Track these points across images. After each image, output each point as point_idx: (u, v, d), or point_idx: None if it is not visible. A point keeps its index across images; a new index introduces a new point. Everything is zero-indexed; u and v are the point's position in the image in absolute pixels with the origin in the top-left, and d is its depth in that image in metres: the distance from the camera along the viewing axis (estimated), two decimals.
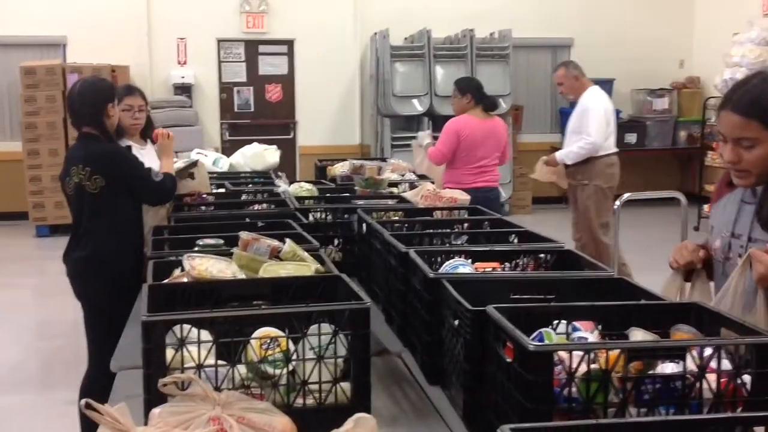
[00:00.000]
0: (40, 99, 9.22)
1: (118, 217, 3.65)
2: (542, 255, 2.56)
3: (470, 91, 5.70)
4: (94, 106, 3.64)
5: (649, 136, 11.01)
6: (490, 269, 2.49)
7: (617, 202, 4.82)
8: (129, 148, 3.96)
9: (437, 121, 10.42)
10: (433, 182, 4.41)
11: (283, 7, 10.51)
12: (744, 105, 2.09)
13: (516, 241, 2.85)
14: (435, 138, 5.99)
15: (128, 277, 3.34)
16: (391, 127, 10.25)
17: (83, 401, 1.46)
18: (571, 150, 6.03)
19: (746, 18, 9.34)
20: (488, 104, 5.76)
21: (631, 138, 10.98)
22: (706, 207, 9.47)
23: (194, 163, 4.10)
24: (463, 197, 3.75)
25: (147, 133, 4.26)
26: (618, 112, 11.03)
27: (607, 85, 10.89)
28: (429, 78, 10.17)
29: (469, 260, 2.48)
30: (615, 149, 6.20)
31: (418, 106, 10.18)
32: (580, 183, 6.13)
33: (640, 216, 8.52)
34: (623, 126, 11.05)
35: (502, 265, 2.54)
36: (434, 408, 2.08)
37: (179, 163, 4.09)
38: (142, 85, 9.87)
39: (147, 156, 4.05)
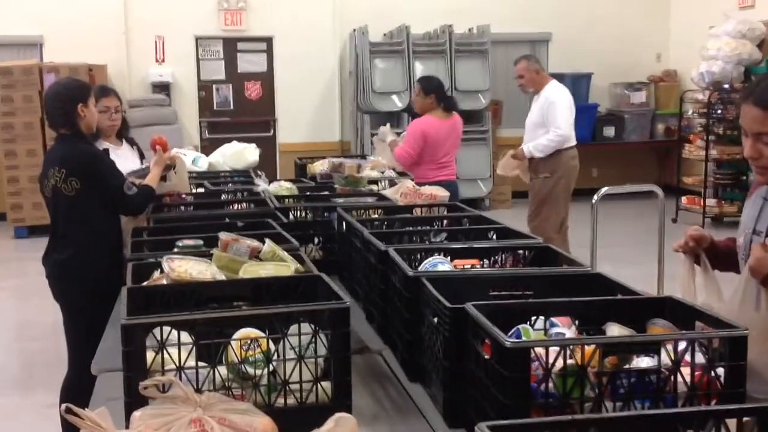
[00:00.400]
0: (17, 99, 9.15)
1: (95, 220, 3.62)
2: (520, 251, 2.58)
3: (434, 91, 5.78)
4: (65, 108, 3.61)
5: (627, 129, 11.09)
6: (470, 266, 2.51)
7: (595, 196, 4.85)
8: (107, 151, 3.93)
9: (416, 117, 10.45)
10: (412, 179, 4.43)
11: (261, 5, 10.48)
12: (766, 99, 2.01)
13: (495, 237, 2.87)
14: (397, 134, 6.05)
15: (107, 280, 3.32)
16: (371, 123, 10.24)
17: (64, 406, 1.46)
18: (540, 142, 6.03)
19: (722, 11, 9.42)
20: (449, 104, 5.86)
21: (610, 131, 11.06)
22: (684, 199, 9.59)
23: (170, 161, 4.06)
24: (443, 194, 3.77)
25: (122, 133, 4.26)
26: (596, 105, 11.15)
27: (584, 78, 10.99)
28: (408, 74, 10.19)
29: (448, 258, 2.50)
30: (575, 142, 6.23)
31: (397, 102, 10.20)
32: (543, 176, 6.14)
33: (618, 209, 8.58)
34: (601, 119, 11.15)
35: (482, 262, 2.57)
36: (415, 405, 2.10)
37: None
38: (120, 84, 9.94)
39: (122, 157, 4.05)
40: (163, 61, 10.31)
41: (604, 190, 4.84)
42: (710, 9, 10.00)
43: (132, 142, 4.40)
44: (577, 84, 10.94)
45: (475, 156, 10.47)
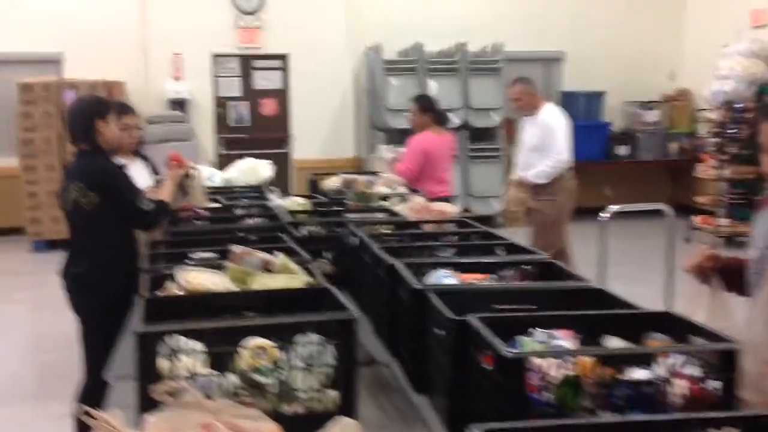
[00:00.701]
0: (36, 115, 9.29)
1: (113, 234, 3.69)
2: (526, 266, 2.64)
3: (430, 108, 5.98)
4: (84, 123, 3.68)
5: (641, 148, 11.11)
6: (475, 281, 2.57)
7: (605, 214, 4.90)
8: (123, 167, 4.01)
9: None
10: (424, 195, 4.50)
11: (277, 23, 10.61)
12: None
13: (503, 253, 2.93)
14: (396, 152, 6.19)
15: (123, 292, 3.39)
16: (385, 140, 10.33)
17: (78, 407, 1.52)
18: (542, 170, 6.05)
19: (735, 30, 9.46)
20: (443, 120, 6.06)
21: (623, 150, 11.08)
22: (697, 219, 9.59)
23: (186, 175, 4.11)
24: (452, 210, 3.84)
25: (136, 149, 4.39)
26: (609, 124, 11.19)
27: (597, 97, 11.04)
28: (422, 91, 10.26)
29: (455, 272, 2.56)
30: (572, 163, 6.29)
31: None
32: (547, 200, 6.14)
33: (628, 228, 8.60)
34: (614, 138, 11.17)
35: (488, 277, 2.62)
36: (420, 415, 2.15)
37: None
38: (137, 100, 10.06)
39: (135, 172, 4.13)
40: (180, 77, 10.45)
41: (614, 208, 4.89)
42: (723, 28, 10.03)
43: (145, 158, 4.50)
44: (591, 103, 11.01)
45: (487, 174, 10.53)
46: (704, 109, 10.04)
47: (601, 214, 4.94)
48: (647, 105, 11.25)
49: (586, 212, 6.51)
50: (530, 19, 11.09)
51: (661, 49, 11.46)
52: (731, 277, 2.33)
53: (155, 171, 4.50)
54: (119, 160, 4.12)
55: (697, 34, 11.13)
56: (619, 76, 11.23)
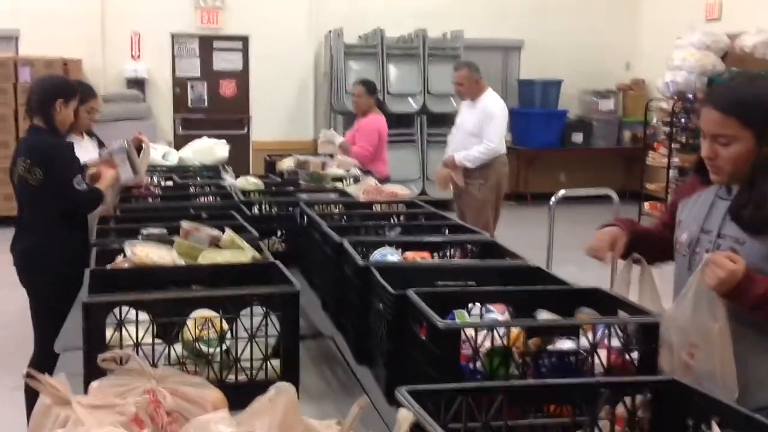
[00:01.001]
0: None
1: (59, 210, 3.71)
2: (468, 245, 2.73)
3: (375, 91, 6.30)
4: (43, 99, 3.74)
5: (595, 135, 11.31)
6: (420, 259, 2.65)
7: (552, 199, 5.02)
8: (71, 145, 3.99)
9: (390, 119, 10.58)
10: (377, 178, 4.57)
11: (238, 4, 10.57)
12: (724, 102, 2.09)
13: (447, 232, 3.02)
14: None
15: (72, 266, 3.42)
16: (344, 123, 10.38)
17: (25, 371, 1.58)
18: (471, 154, 6.08)
19: (689, 23, 9.65)
20: (381, 103, 6.49)
21: (578, 137, 11.28)
22: (646, 204, 9.81)
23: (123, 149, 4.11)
24: (404, 192, 3.91)
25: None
26: (565, 112, 11.36)
27: (555, 85, 11.20)
28: (382, 76, 10.33)
29: (399, 250, 2.64)
30: (505, 149, 6.35)
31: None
32: (477, 182, 6.19)
33: (579, 214, 8.77)
34: (570, 125, 11.36)
35: (432, 256, 2.71)
36: (360, 385, 2.23)
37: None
38: (94, 79, 9.96)
39: (84, 148, 4.15)
40: (139, 57, 10.37)
41: (561, 192, 5.02)
42: (678, 20, 10.22)
43: (91, 134, 4.51)
44: (548, 90, 11.16)
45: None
46: (657, 99, 10.24)
47: (552, 200, 5.06)
48: (603, 94, 11.44)
49: (542, 198, 6.64)
50: (490, 6, 11.20)
51: (617, 39, 11.65)
52: (647, 247, 2.39)
53: (101, 144, 4.50)
54: (69, 138, 4.14)
55: (653, 26, 11.33)
56: (576, 65, 11.40)
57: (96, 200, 3.79)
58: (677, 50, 9.30)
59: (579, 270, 3.31)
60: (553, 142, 11.20)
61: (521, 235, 7.34)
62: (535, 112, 11.07)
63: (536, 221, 6.65)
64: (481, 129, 6.09)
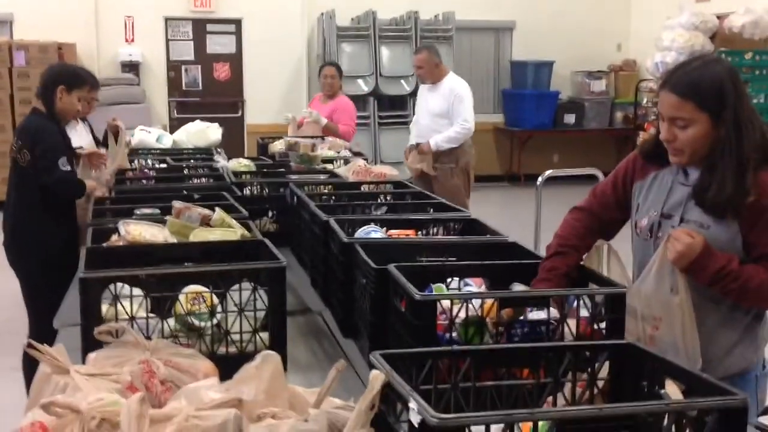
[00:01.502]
0: None
1: (42, 192, 3.81)
2: (451, 223, 2.83)
3: (342, 74, 6.62)
4: (46, 85, 3.88)
5: (587, 116, 11.40)
6: (404, 236, 2.75)
7: (539, 179, 5.13)
8: (62, 130, 4.01)
9: (383, 101, 10.69)
10: (366, 159, 4.67)
11: None
12: (681, 86, 2.13)
13: (432, 211, 3.12)
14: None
15: (58, 249, 3.53)
16: None
17: (25, 342, 1.68)
18: (449, 135, 6.07)
19: (680, 3, 9.71)
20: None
21: (570, 118, 11.37)
22: None
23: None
24: (392, 173, 4.01)
25: None
26: (557, 93, 11.44)
27: (547, 66, 11.26)
28: (375, 58, 10.40)
29: (383, 228, 2.74)
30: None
31: (363, 86, 10.41)
32: (448, 166, 6.18)
33: (566, 194, 8.88)
34: (562, 106, 11.44)
35: (417, 233, 2.81)
36: (345, 357, 2.34)
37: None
38: (89, 63, 10.04)
39: (77, 132, 4.24)
40: (133, 40, 10.42)
41: (547, 173, 5.11)
42: (668, 1, 10.29)
43: (84, 119, 4.53)
44: (540, 72, 11.24)
45: None
46: (647, 80, 10.32)
47: (539, 179, 5.17)
48: (595, 75, 11.52)
49: (535, 178, 6.70)
50: None
51: (609, 20, 11.72)
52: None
53: (92, 129, 4.59)
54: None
55: (644, 6, 11.40)
56: (567, 46, 11.47)
57: (73, 186, 3.83)
58: (666, 31, 9.37)
59: None
60: (546, 123, 11.29)
61: (513, 214, 7.47)
62: (528, 93, 11.15)
63: (528, 201, 6.75)
64: (453, 110, 6.09)
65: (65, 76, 3.93)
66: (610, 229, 2.47)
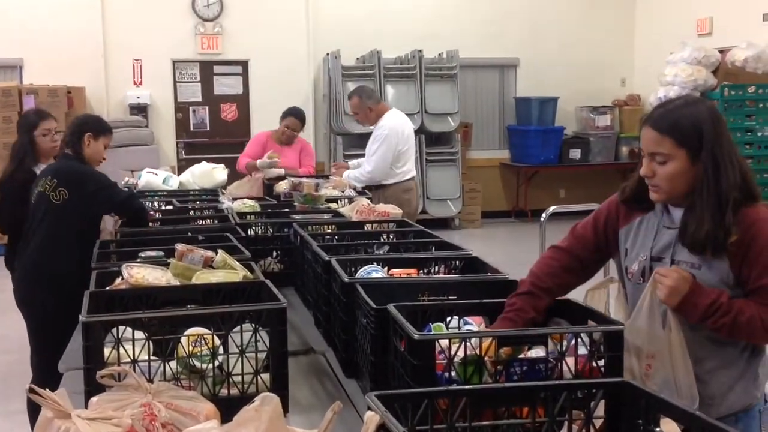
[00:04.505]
0: None
1: (71, 230, 3.93)
2: (452, 261, 2.85)
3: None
4: (74, 133, 4.12)
5: (593, 151, 11.44)
6: (406, 275, 2.77)
7: (543, 215, 5.14)
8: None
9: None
10: (370, 198, 4.70)
11: (237, 29, 10.76)
12: (661, 122, 2.19)
13: (434, 249, 3.13)
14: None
15: (71, 287, 3.55)
16: (344, 144, 10.54)
17: (27, 386, 1.69)
18: (354, 174, 5.83)
19: (682, 38, 9.80)
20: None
21: (576, 154, 11.41)
22: None
23: None
24: (395, 211, 4.03)
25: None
26: (562, 128, 11.49)
27: (551, 102, 11.34)
28: (380, 97, 10.48)
29: (385, 267, 2.76)
30: (412, 174, 5.99)
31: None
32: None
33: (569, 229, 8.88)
34: (567, 142, 11.49)
35: (419, 272, 2.83)
36: (347, 397, 2.35)
37: None
38: (98, 106, 10.18)
39: None
40: (141, 83, 10.56)
41: (551, 209, 5.12)
42: (671, 36, 10.39)
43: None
44: (544, 108, 11.32)
45: (444, 177, 10.80)
46: None
47: (543, 216, 5.18)
48: (599, 110, 11.58)
49: (541, 214, 6.71)
50: (485, 26, 11.37)
51: (613, 55, 11.81)
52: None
53: None
54: (41, 166, 4.29)
55: (648, 41, 11.50)
56: (572, 81, 11.56)
57: (140, 204, 4.13)
58: (669, 66, 9.44)
59: None
60: (552, 159, 11.34)
61: (519, 250, 7.45)
62: (533, 129, 11.22)
63: (535, 237, 6.74)
64: (368, 153, 5.86)
65: (91, 124, 4.20)
66: (588, 269, 2.47)
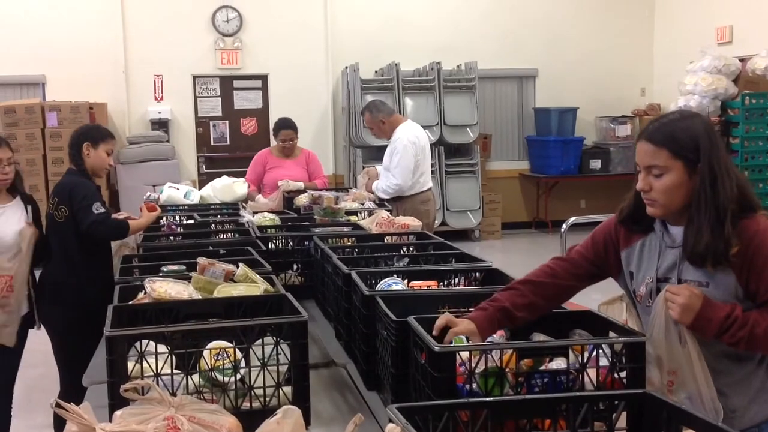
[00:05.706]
0: (20, 137, 9.45)
1: (77, 245, 3.95)
2: (472, 273, 2.85)
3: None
4: (72, 145, 4.06)
5: (613, 161, 11.38)
6: (426, 287, 2.78)
7: (563, 226, 5.12)
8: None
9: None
10: (390, 210, 4.71)
11: (256, 44, 10.85)
12: (656, 135, 2.18)
13: (454, 261, 3.14)
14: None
15: (92, 303, 3.59)
16: (363, 157, 10.57)
17: (52, 400, 1.72)
18: (380, 186, 5.80)
19: (701, 47, 9.75)
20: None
21: (596, 164, 11.36)
22: None
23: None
24: (415, 223, 4.03)
25: (15, 188, 4.03)
26: (582, 139, 11.46)
27: (571, 113, 11.32)
28: (399, 109, 10.50)
29: (405, 279, 2.76)
30: (429, 185, 5.99)
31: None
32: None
33: None
34: (587, 152, 11.45)
35: (439, 284, 2.83)
36: (369, 409, 2.35)
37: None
38: (120, 121, 10.31)
39: (8, 214, 3.94)
40: (162, 99, 10.66)
41: (571, 219, 5.11)
42: (691, 45, 10.34)
43: (27, 200, 4.08)
44: (564, 118, 11.29)
45: (464, 188, 10.79)
46: None
47: (564, 227, 5.17)
48: (619, 120, 11.53)
49: (558, 225, 6.71)
50: (503, 38, 11.38)
51: (632, 65, 11.77)
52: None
53: (36, 212, 4.10)
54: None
55: (667, 51, 11.45)
56: (591, 91, 11.53)
57: (120, 230, 4.02)
58: (689, 75, 9.40)
59: (584, 294, 3.38)
60: (572, 169, 11.30)
61: (538, 262, 7.39)
62: (552, 139, 11.19)
63: (555, 248, 6.74)
64: (387, 163, 5.85)
65: (88, 133, 4.12)
66: (586, 279, 2.43)
